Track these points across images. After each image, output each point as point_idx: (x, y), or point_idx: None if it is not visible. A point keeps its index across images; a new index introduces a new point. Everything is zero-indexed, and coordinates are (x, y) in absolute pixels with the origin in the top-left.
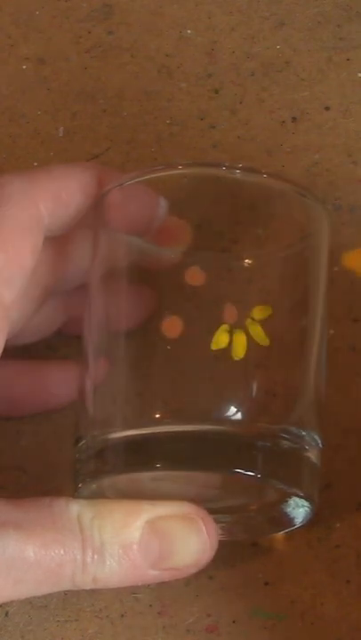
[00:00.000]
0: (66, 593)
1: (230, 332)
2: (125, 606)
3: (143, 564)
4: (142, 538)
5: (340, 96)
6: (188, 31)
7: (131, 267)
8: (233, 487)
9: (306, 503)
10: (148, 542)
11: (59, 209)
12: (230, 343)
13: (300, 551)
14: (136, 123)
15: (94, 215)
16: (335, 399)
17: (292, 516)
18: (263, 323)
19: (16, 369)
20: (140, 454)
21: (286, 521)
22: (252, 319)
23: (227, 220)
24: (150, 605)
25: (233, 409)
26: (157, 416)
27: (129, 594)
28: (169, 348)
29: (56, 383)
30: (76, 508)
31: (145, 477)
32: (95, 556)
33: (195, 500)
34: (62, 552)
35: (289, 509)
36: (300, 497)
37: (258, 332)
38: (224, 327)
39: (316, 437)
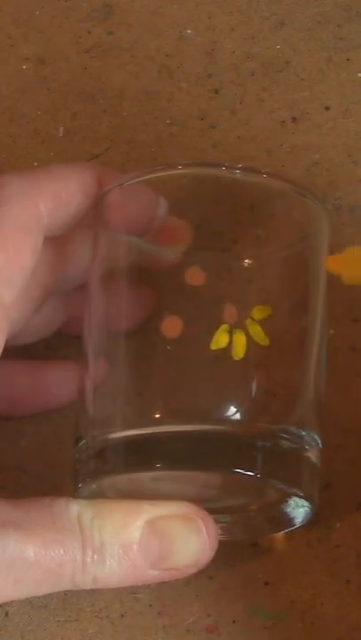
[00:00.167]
0: (66, 593)
1: (230, 332)
2: (125, 606)
3: (143, 564)
4: (142, 538)
5: (340, 96)
6: (188, 31)
7: (131, 267)
8: (233, 487)
9: (306, 503)
10: (148, 542)
11: (59, 209)
12: (230, 343)
13: (300, 551)
14: (136, 123)
15: (94, 215)
16: (335, 399)
17: (292, 515)
18: (263, 323)
19: (16, 369)
20: (140, 454)
21: (286, 521)
22: (252, 319)
23: (227, 219)
24: (150, 605)
25: (233, 409)
26: (157, 416)
27: (129, 594)
28: (169, 348)
29: (56, 383)
30: (76, 508)
31: (145, 477)
32: (95, 556)
33: (195, 500)
34: (62, 552)
35: (289, 509)
36: (301, 497)
37: (258, 332)
38: (224, 327)
39: (316, 437)
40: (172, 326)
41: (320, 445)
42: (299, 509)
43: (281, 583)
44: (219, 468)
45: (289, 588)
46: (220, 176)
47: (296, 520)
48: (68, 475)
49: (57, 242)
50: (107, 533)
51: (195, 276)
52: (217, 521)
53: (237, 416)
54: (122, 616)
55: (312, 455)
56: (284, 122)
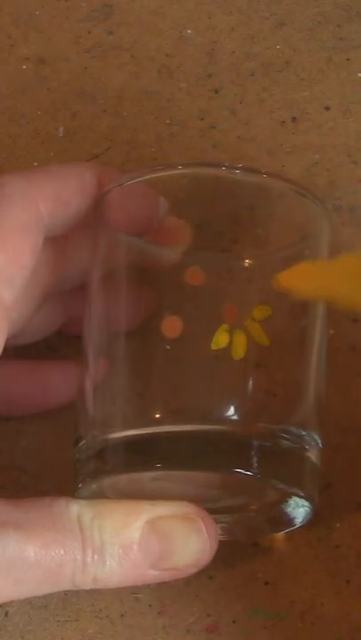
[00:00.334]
0: (66, 593)
1: (230, 332)
2: (125, 606)
3: (143, 564)
4: (142, 538)
5: (340, 96)
6: (188, 31)
7: (131, 267)
8: (233, 487)
9: (306, 503)
10: (148, 542)
11: (59, 209)
12: (230, 343)
13: (300, 551)
14: (136, 123)
15: (94, 215)
16: (335, 399)
17: (292, 515)
18: (263, 323)
19: (16, 369)
20: (140, 454)
21: (286, 521)
22: (252, 319)
23: (227, 219)
24: (150, 605)
25: (233, 409)
26: (157, 416)
27: (129, 594)
28: (169, 348)
29: (56, 383)
30: (76, 508)
31: (145, 477)
32: (95, 556)
33: (195, 500)
34: (62, 552)
35: (289, 509)
36: (301, 497)
37: (258, 332)
38: (224, 327)
39: (316, 437)
40: (172, 326)
41: (320, 445)
42: (299, 509)
43: (281, 583)
44: (219, 467)
45: (289, 588)
46: (219, 176)
47: (296, 520)
48: (68, 475)
49: (57, 242)
50: (107, 533)
51: (195, 276)
52: (217, 521)
53: (237, 416)
54: (122, 616)
55: (312, 455)
56: (284, 122)
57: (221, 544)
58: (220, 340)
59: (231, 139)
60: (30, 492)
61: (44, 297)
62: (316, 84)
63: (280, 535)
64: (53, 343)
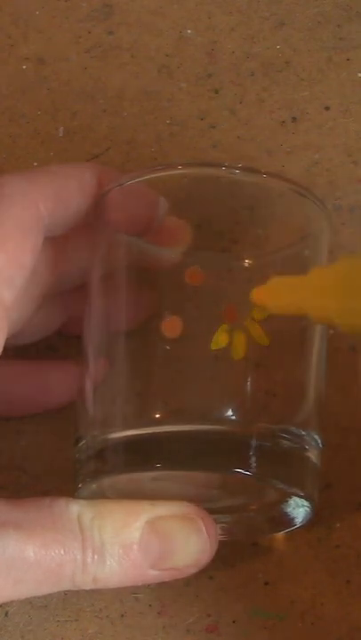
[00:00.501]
0: (66, 593)
1: (230, 332)
2: (125, 606)
3: (143, 564)
4: (142, 538)
5: (340, 96)
6: (188, 31)
7: (131, 267)
8: (233, 487)
9: (306, 503)
10: (149, 542)
11: (59, 209)
12: (230, 343)
13: (300, 551)
14: (136, 123)
15: (94, 215)
16: (335, 399)
17: (292, 515)
18: (263, 323)
19: (16, 369)
20: (140, 454)
21: (286, 521)
22: (252, 319)
23: (227, 220)
24: (150, 605)
25: (233, 409)
26: (157, 416)
27: (129, 594)
28: (169, 348)
29: (56, 383)
30: (76, 509)
31: (145, 477)
32: (95, 556)
33: (195, 500)
34: (62, 552)
35: (289, 509)
36: (301, 497)
37: (258, 332)
38: (224, 327)
39: (317, 437)
40: (172, 326)
41: (320, 445)
42: (299, 509)
43: (281, 583)
44: (219, 467)
45: (289, 588)
46: (219, 176)
47: (296, 520)
48: (68, 475)
49: (57, 242)
50: (107, 533)
51: (195, 276)
52: (217, 521)
53: (237, 416)
54: (122, 616)
55: (312, 455)
56: (284, 122)
57: (221, 544)
58: (220, 339)
59: (231, 139)
60: (30, 492)
61: (43, 297)
62: (316, 84)
63: (280, 535)
64: (53, 343)
